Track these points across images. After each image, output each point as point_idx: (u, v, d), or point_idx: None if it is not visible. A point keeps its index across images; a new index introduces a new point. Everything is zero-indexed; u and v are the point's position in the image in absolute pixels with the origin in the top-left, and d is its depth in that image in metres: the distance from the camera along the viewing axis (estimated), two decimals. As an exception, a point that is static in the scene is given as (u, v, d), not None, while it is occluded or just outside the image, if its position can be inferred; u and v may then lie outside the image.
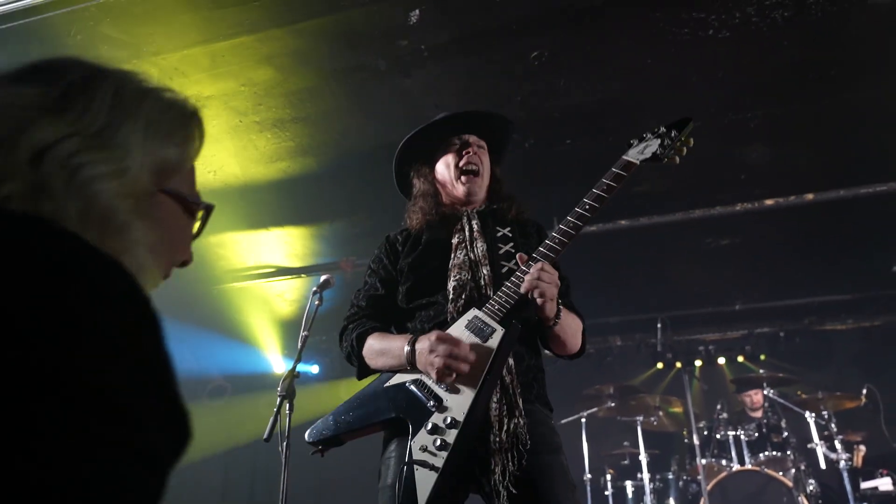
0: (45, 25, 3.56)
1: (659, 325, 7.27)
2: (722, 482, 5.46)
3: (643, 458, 5.89)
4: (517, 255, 2.09)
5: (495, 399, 1.97)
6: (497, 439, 1.92)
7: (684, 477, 6.10)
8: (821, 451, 5.61)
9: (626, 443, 6.51)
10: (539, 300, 1.96)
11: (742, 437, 5.89)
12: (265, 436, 2.91)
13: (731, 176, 5.18)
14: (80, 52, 3.80)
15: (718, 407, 6.37)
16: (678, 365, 7.83)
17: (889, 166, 5.15)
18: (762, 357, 7.94)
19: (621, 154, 2.24)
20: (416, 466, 1.83)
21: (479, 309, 2.04)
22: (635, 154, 2.16)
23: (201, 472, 7.37)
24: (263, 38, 3.83)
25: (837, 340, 7.87)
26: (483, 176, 2.43)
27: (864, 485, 5.80)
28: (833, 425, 5.66)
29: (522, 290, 1.98)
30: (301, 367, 3.17)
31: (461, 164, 2.39)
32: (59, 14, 3.46)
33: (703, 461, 5.62)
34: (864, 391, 5.82)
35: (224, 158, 5.00)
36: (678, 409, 6.51)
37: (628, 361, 8.35)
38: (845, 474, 5.32)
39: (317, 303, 3.51)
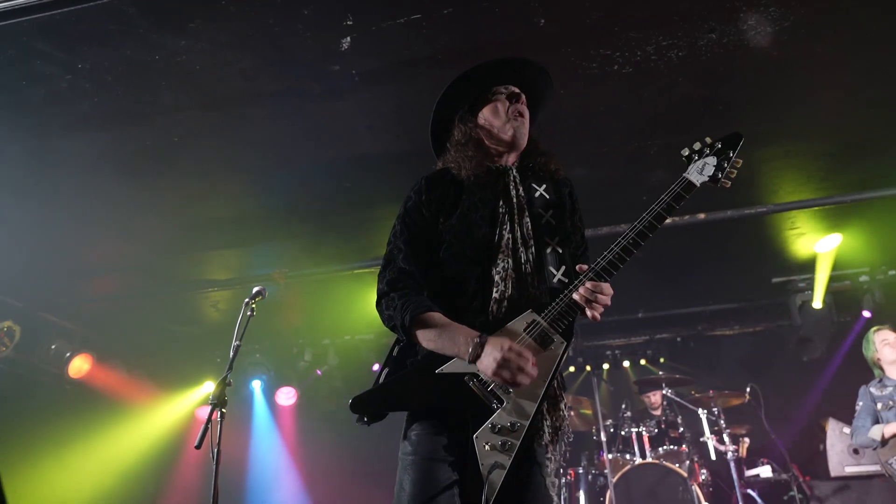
0: (-25, 38, 3.35)
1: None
2: (626, 475, 5.61)
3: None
4: (577, 267, 2.03)
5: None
6: (549, 431, 1.98)
7: (593, 471, 6.23)
8: (711, 444, 5.86)
9: (540, 441, 6.60)
10: (591, 315, 1.97)
11: (644, 433, 6.08)
12: (196, 443, 2.82)
13: (635, 197, 5.38)
14: (13, 67, 3.61)
15: (623, 406, 6.56)
16: (588, 368, 8.04)
17: (768, 190, 5.48)
18: (662, 360, 8.18)
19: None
20: (484, 464, 1.83)
21: (538, 314, 1.97)
22: (696, 175, 2.11)
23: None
24: (202, 58, 3.73)
25: (726, 344, 8.23)
26: (527, 125, 2.35)
27: (749, 473, 6.10)
28: (722, 421, 5.92)
29: (578, 303, 1.96)
30: (244, 383, 3.09)
31: (511, 110, 2.32)
32: (-11, 28, 3.26)
33: (610, 456, 5.76)
34: (748, 389, 6.10)
35: (161, 174, 4.82)
36: (588, 410, 6.67)
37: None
38: (732, 464, 5.57)
39: (249, 313, 3.43)
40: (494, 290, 2.04)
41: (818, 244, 6.23)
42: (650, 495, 5.49)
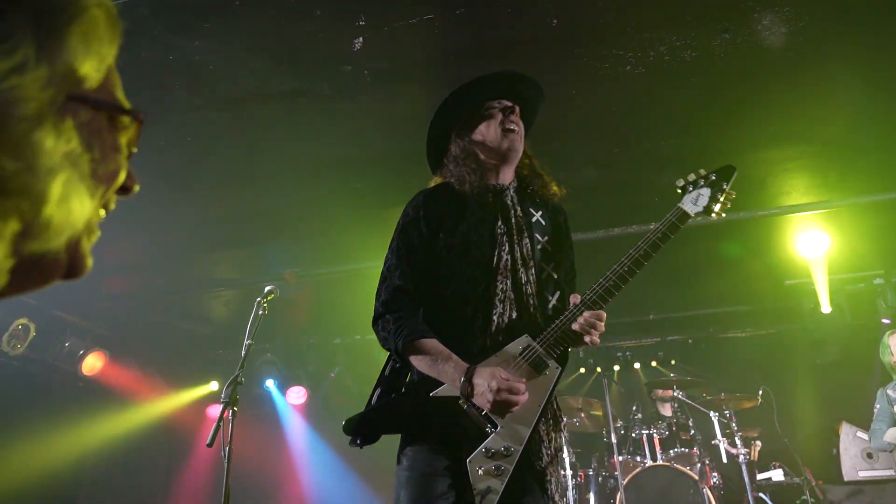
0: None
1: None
2: (636, 477, 5.59)
3: (566, 456, 5.98)
4: (570, 297, 2.07)
5: (544, 417, 2.01)
6: (548, 453, 1.99)
7: (603, 473, 6.22)
8: (723, 446, 5.82)
9: (550, 442, 6.58)
10: (589, 341, 2.01)
11: (654, 435, 6.06)
12: (208, 441, 2.84)
13: (647, 197, 5.36)
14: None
15: (634, 408, 6.53)
16: (598, 370, 8.01)
17: (782, 192, 5.44)
18: (673, 362, 8.14)
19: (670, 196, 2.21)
20: (477, 489, 1.84)
21: (534, 339, 2.00)
22: (690, 205, 2.19)
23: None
24: (216, 58, 3.75)
25: (738, 347, 8.18)
26: (521, 138, 2.35)
27: (760, 476, 6.05)
28: (734, 424, 5.88)
29: (575, 331, 2.00)
30: (254, 382, 3.11)
31: (504, 123, 2.31)
32: None
33: (620, 458, 5.74)
34: (760, 392, 6.07)
35: (174, 174, 4.86)
36: (598, 412, 6.65)
37: (553, 366, 8.45)
38: (744, 467, 5.53)
39: (261, 312, 3.45)
40: (493, 312, 2.06)
41: (805, 248, 6.12)
42: (661, 498, 5.46)
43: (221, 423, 2.86)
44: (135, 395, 7.81)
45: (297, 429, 8.57)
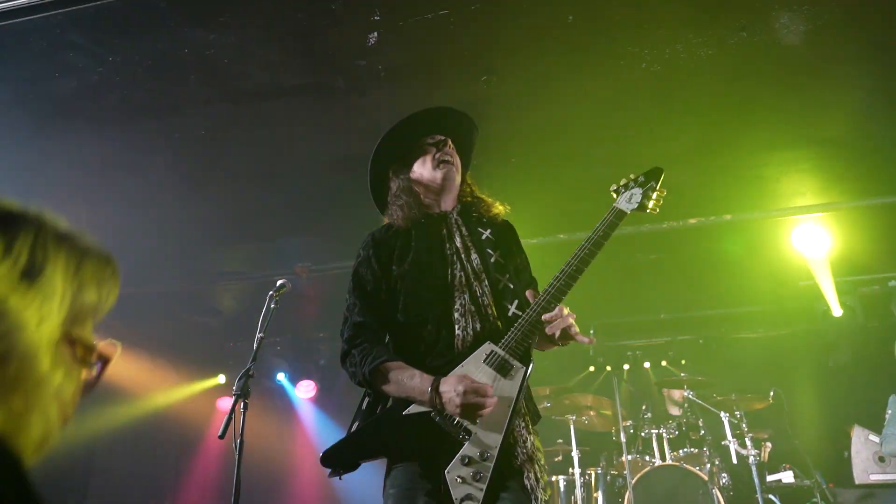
0: (6, 32, 3.42)
1: (592, 332, 7.40)
2: (645, 476, 5.56)
3: (575, 454, 5.97)
4: (526, 292, 2.13)
5: (517, 418, 2.05)
6: (523, 451, 2.02)
7: (611, 472, 6.20)
8: (733, 447, 5.78)
9: (559, 440, 6.59)
10: (573, 337, 2.04)
11: (664, 435, 6.03)
12: (220, 433, 2.85)
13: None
14: (47, 58, 3.67)
15: (643, 407, 6.50)
16: (608, 368, 7.97)
17: (796, 192, 5.40)
18: (683, 362, 8.09)
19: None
20: (456, 497, 1.86)
21: (496, 343, 2.04)
22: (625, 204, 2.31)
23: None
24: (230, 52, 3.77)
25: (749, 347, 8.12)
26: (457, 167, 2.44)
27: (770, 478, 6.01)
28: (744, 424, 5.84)
29: (550, 331, 2.00)
30: (264, 375, 3.12)
31: (437, 156, 2.41)
32: (22, 21, 3.32)
33: (629, 457, 5.72)
34: (772, 393, 6.02)
35: (187, 167, 4.88)
36: (608, 411, 6.62)
37: (563, 365, 8.45)
38: (754, 469, 5.49)
39: (273, 305, 3.46)
40: (456, 326, 2.12)
41: (817, 249, 6.04)
42: (669, 498, 5.44)
43: (233, 415, 2.87)
44: (145, 386, 7.86)
45: (307, 422, 8.60)
